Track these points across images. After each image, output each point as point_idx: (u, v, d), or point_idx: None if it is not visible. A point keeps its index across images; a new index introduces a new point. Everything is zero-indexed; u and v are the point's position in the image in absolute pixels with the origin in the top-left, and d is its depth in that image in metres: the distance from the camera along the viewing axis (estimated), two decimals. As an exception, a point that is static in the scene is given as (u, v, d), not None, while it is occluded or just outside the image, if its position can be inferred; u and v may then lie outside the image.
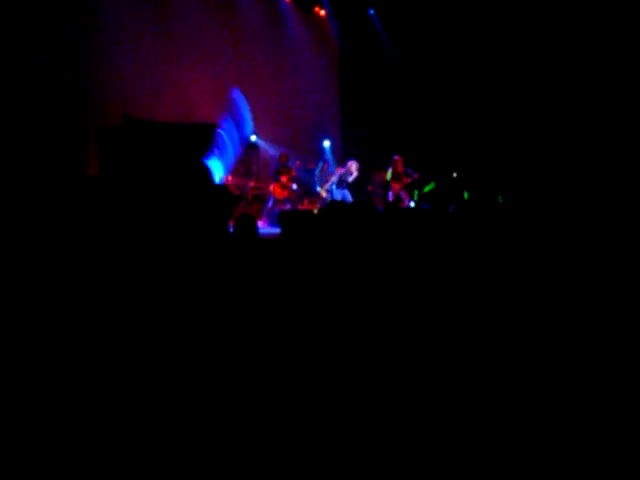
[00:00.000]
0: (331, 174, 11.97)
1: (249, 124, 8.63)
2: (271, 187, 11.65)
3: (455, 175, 13.09)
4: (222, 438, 2.48)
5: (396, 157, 11.80)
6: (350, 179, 11.23)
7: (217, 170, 8.47)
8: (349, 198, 11.07)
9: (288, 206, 11.44)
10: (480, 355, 3.06)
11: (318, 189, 12.16)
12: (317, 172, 12.76)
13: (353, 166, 11.25)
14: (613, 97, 11.63)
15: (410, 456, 2.40)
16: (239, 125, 8.53)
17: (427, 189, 12.15)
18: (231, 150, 8.41)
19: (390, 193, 11.85)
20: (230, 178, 12.05)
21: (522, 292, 3.78)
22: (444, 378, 2.87)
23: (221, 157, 8.47)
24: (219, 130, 8.50)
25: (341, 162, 12.91)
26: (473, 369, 2.95)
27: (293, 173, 11.77)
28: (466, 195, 11.75)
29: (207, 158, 8.28)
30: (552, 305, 3.58)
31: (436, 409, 2.66)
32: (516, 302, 3.63)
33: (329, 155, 14.19)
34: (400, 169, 11.77)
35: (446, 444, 2.45)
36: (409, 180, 11.76)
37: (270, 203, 11.54)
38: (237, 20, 12.97)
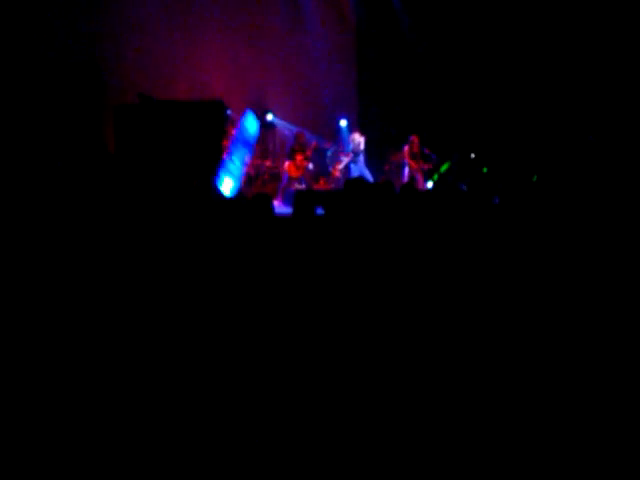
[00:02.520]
0: (346, 153, 11.99)
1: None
2: (286, 165, 11.58)
3: (473, 156, 12.96)
4: (223, 436, 2.47)
5: (412, 137, 11.72)
6: (361, 147, 11.28)
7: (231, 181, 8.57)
8: (368, 175, 11.05)
9: (303, 185, 11.39)
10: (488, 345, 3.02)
11: (330, 169, 12.30)
12: (329, 153, 12.83)
13: (355, 136, 11.38)
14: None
15: (410, 456, 2.38)
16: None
17: (443, 169, 12.06)
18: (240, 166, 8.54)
19: (406, 173, 11.79)
20: (246, 157, 12.02)
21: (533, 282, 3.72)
22: (456, 371, 2.84)
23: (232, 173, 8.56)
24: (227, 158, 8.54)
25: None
26: (483, 360, 2.92)
27: (309, 153, 11.70)
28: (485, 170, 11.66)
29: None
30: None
31: (437, 406, 2.63)
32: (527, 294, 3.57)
33: (345, 134, 14.11)
34: (416, 149, 11.68)
35: (446, 442, 2.43)
36: (427, 166, 11.74)
37: (285, 181, 11.49)
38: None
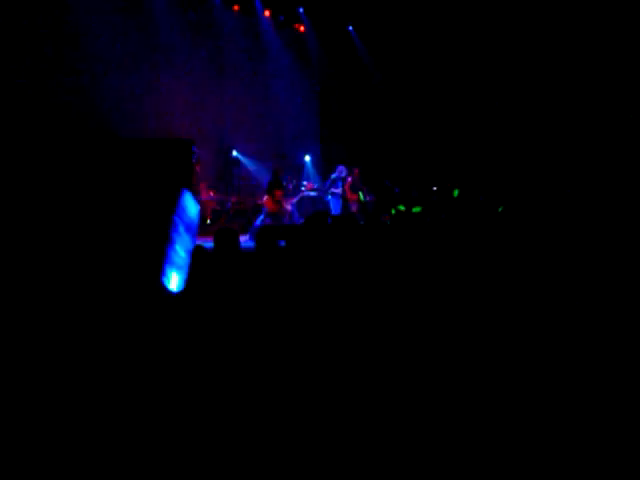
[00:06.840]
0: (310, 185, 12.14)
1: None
2: (264, 200, 11.60)
3: (435, 189, 13.16)
4: (221, 440, 2.49)
5: (355, 170, 11.85)
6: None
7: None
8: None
9: (268, 220, 11.41)
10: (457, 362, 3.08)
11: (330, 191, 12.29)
12: (329, 180, 12.77)
13: (342, 168, 11.53)
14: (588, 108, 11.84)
15: (410, 456, 2.40)
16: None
17: (415, 210, 12.17)
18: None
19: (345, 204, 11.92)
20: (212, 193, 12.04)
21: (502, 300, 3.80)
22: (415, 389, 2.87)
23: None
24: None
25: (324, 176, 13.13)
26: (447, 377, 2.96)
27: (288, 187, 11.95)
28: (456, 193, 11.76)
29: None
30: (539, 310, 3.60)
31: (434, 410, 2.68)
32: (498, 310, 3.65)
33: (310, 169, 14.26)
34: (357, 182, 11.85)
35: (446, 444, 2.46)
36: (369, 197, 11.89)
37: (262, 216, 11.47)
38: (217, 36, 13.05)
